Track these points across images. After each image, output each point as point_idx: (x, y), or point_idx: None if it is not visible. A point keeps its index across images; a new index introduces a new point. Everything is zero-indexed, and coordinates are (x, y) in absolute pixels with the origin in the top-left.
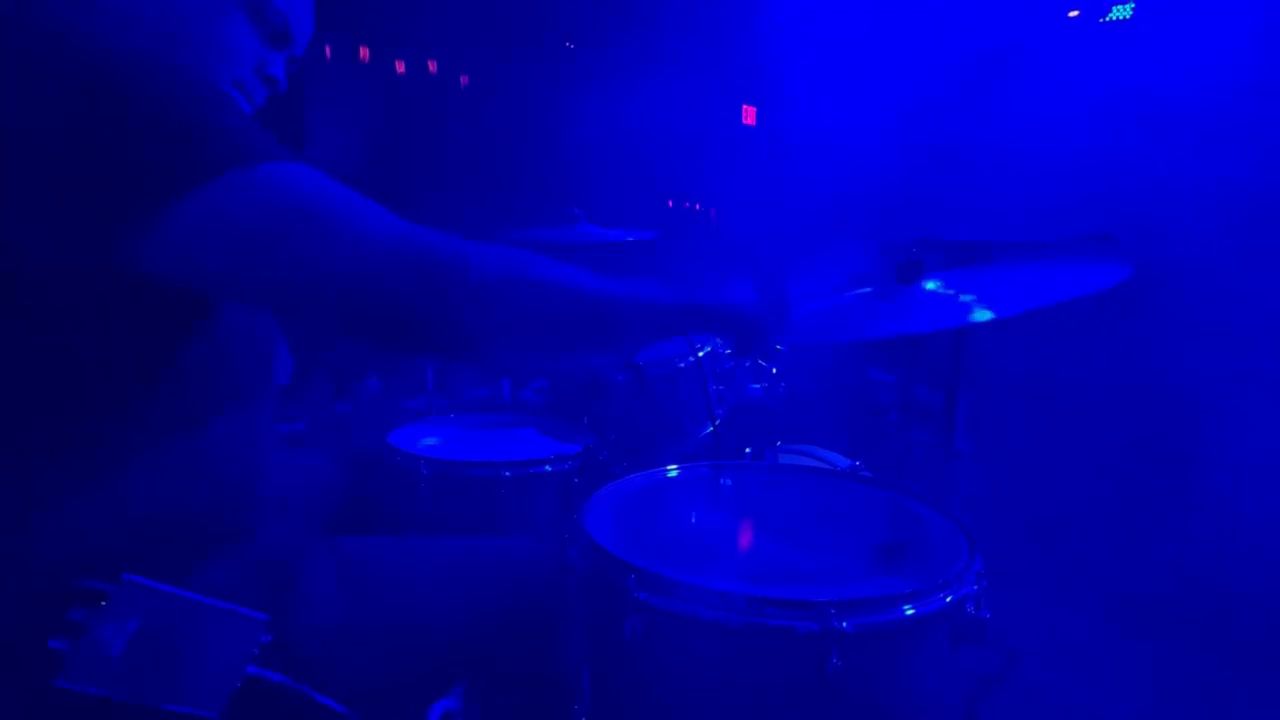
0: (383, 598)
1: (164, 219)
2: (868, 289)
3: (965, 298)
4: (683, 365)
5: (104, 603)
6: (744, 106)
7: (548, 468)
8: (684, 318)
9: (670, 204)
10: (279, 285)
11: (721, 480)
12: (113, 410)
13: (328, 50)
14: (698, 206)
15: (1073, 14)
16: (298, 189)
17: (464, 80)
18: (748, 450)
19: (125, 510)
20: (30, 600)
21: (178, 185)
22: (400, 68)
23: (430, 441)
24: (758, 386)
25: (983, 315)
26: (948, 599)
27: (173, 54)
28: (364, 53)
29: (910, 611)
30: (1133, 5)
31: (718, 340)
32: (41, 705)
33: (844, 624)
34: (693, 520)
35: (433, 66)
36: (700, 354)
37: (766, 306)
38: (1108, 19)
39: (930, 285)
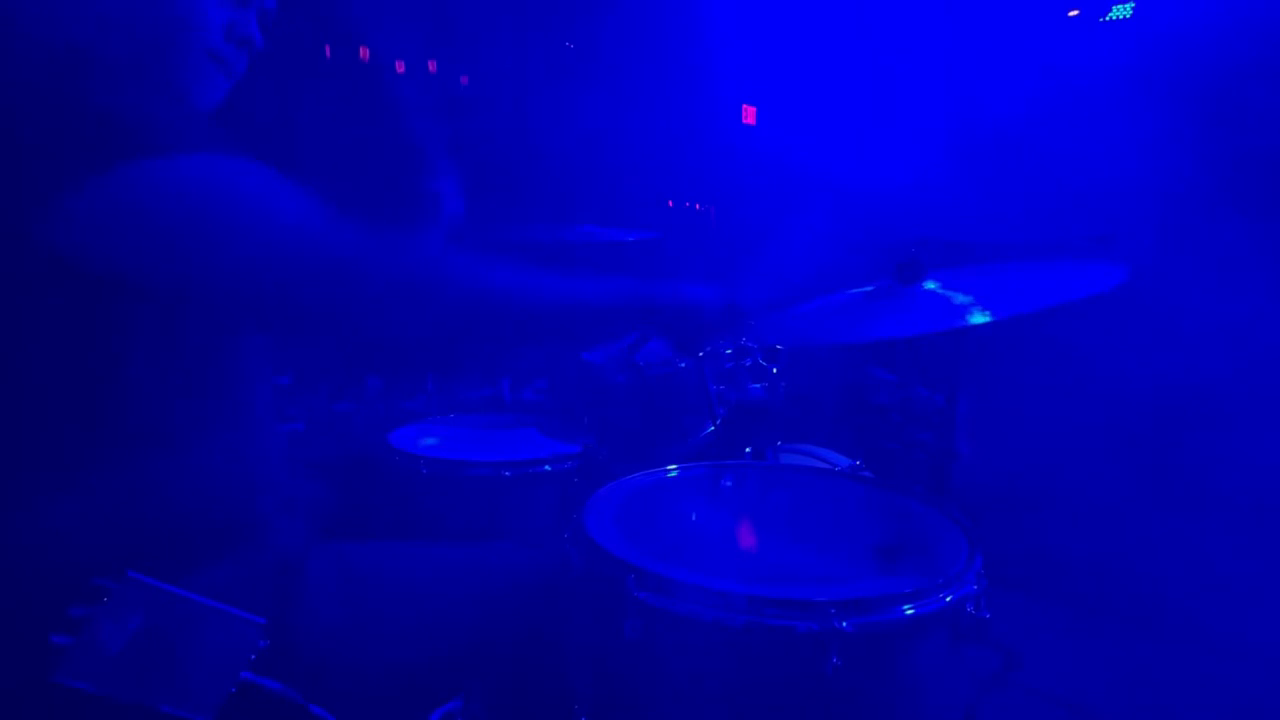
0: (384, 603)
1: (74, 197)
2: (866, 289)
3: (961, 299)
4: (683, 365)
5: (106, 599)
6: (744, 106)
7: (548, 468)
8: (620, 317)
9: (670, 204)
10: (180, 274)
11: (722, 480)
12: (110, 409)
13: (328, 50)
14: (698, 206)
15: (1073, 13)
16: (208, 181)
17: (464, 80)
18: (748, 450)
19: (127, 510)
20: (33, 597)
21: (88, 166)
22: (400, 68)
23: (430, 441)
24: (758, 386)
25: (980, 318)
26: (948, 599)
27: (129, 34)
28: (364, 53)
29: (910, 611)
30: (1133, 4)
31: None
32: (40, 701)
33: (844, 624)
34: (693, 520)
35: (432, 66)
36: (700, 354)
37: (718, 308)
38: (1108, 18)
39: (930, 285)
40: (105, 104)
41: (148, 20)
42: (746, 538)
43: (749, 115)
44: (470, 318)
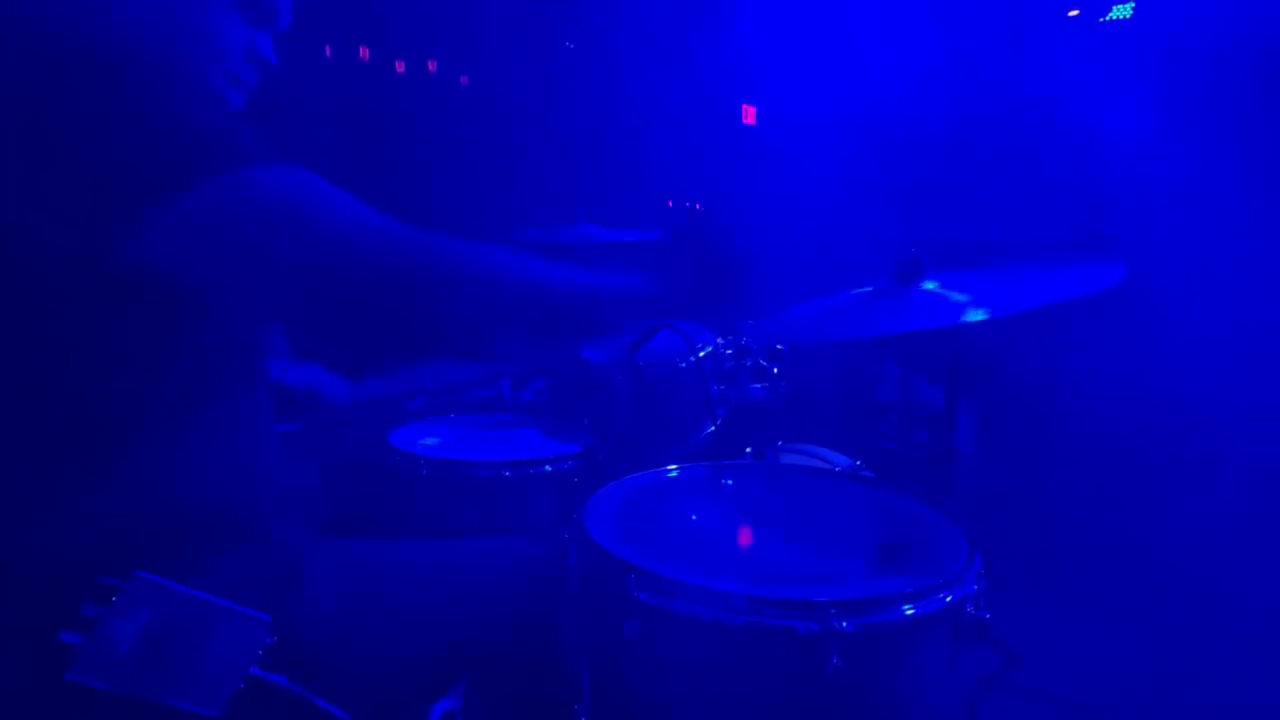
0: (384, 600)
1: (159, 214)
2: (866, 289)
3: (961, 298)
4: (683, 365)
5: (115, 598)
6: (744, 106)
7: (548, 468)
8: (651, 304)
9: (670, 204)
10: (262, 279)
11: (722, 480)
12: (111, 406)
13: (328, 50)
14: (698, 206)
15: (1073, 13)
16: (283, 189)
17: (464, 80)
18: (748, 450)
19: (127, 509)
20: (41, 595)
21: (173, 182)
22: (400, 68)
23: (430, 441)
24: (758, 386)
25: (977, 315)
26: (948, 599)
27: (171, 52)
28: (364, 53)
29: (910, 611)
30: (1133, 5)
31: (717, 339)
32: (51, 698)
33: (844, 624)
34: (693, 520)
35: (433, 66)
36: (700, 354)
37: (729, 280)
38: (1108, 18)
39: (929, 285)
40: (176, 116)
41: (183, 36)
42: (746, 538)
43: (749, 115)
44: (519, 307)
